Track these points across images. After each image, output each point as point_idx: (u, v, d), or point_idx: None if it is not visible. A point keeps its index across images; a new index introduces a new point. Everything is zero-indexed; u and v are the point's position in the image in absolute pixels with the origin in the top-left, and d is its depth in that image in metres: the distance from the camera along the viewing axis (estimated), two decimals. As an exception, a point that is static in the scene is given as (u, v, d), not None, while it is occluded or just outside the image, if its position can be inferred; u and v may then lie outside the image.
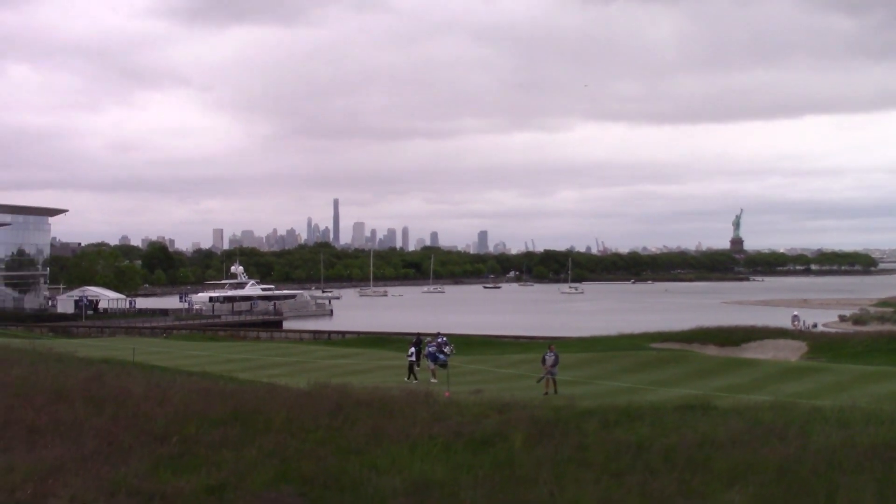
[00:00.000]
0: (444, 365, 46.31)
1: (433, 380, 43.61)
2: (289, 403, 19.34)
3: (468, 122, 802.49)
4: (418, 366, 46.30)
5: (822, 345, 57.01)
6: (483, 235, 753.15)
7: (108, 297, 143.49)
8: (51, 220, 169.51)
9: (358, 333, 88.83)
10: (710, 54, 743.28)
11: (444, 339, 53.68)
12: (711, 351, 54.45)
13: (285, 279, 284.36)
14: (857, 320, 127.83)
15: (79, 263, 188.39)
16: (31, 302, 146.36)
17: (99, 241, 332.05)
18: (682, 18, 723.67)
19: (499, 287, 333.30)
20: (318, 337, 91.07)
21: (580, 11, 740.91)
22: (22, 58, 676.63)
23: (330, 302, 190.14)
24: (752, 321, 77.42)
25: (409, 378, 43.71)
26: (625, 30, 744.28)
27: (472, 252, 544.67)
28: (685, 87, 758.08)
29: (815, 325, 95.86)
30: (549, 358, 37.14)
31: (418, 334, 54.58)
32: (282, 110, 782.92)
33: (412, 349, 46.30)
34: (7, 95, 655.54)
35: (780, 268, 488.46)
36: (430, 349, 46.51)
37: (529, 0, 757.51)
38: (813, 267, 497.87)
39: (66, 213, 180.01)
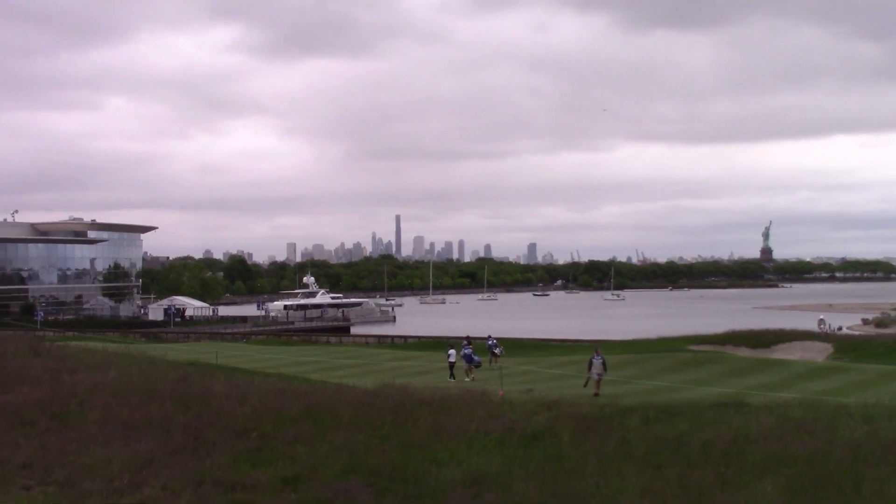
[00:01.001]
0: (478, 365, 46.43)
1: (467, 378, 43.75)
2: (356, 402, 19.36)
3: (520, 143, 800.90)
4: (478, 365, 46.49)
5: (846, 346, 56.32)
6: (532, 247, 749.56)
7: (193, 306, 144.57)
8: (142, 236, 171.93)
9: (419, 338, 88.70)
10: (743, 79, 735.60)
11: (494, 341, 53.69)
12: (744, 352, 53.91)
13: (352, 288, 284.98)
14: (878, 323, 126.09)
15: (167, 275, 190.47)
16: (125, 310, 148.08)
17: (185, 255, 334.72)
18: (718, 46, 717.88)
19: (547, 295, 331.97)
20: (382, 341, 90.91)
21: (623, 41, 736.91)
22: (120, 91, 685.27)
23: (393, 309, 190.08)
24: (781, 325, 76.73)
25: (451, 377, 43.89)
26: (664, 57, 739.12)
27: (522, 262, 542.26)
28: (720, 109, 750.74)
29: (839, 328, 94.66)
30: (596, 361, 36.66)
31: (467, 336, 54.70)
32: (350, 135, 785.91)
33: (451, 351, 46.45)
34: (107, 125, 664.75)
35: (807, 275, 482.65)
36: (466, 352, 46.59)
37: (578, 31, 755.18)
38: (837, 274, 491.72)
39: (156, 229, 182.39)
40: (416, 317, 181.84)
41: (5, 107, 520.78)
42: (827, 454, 13.72)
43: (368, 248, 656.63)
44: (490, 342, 53.02)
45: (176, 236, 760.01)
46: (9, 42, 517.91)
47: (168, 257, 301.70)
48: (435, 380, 41.43)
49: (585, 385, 36.06)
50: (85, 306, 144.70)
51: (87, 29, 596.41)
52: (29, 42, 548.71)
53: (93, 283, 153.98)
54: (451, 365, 45.14)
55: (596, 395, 33.90)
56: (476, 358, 46.82)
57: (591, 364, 36.82)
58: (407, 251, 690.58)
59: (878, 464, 13.09)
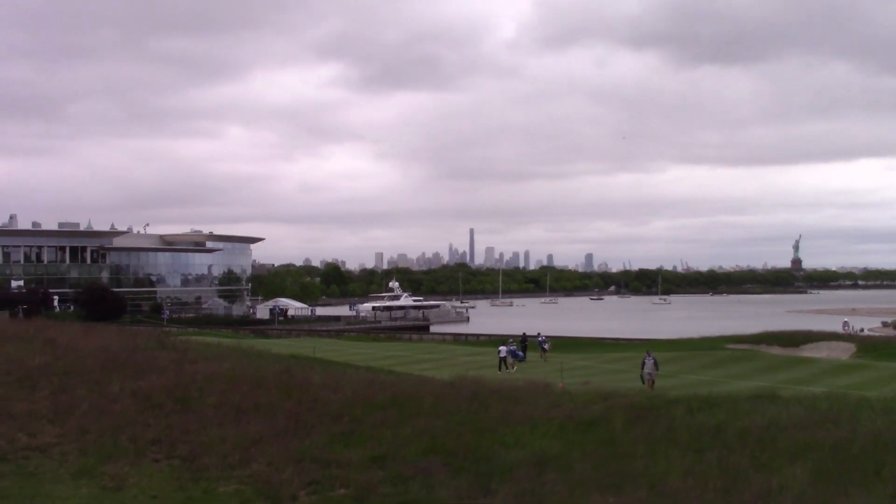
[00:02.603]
0: (521, 360, 47.06)
1: (512, 370, 44.21)
2: (435, 392, 19.40)
3: (581, 165, 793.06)
4: (522, 359, 47.23)
5: (867, 346, 55.28)
6: (589, 257, 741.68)
7: (294, 307, 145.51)
8: (252, 246, 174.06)
9: (489, 336, 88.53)
10: (779, 109, 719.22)
11: (544, 338, 54.14)
12: (776, 351, 53.13)
13: (431, 292, 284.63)
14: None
15: (273, 280, 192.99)
16: (237, 310, 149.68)
17: (288, 262, 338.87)
18: (757, 80, 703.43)
19: (602, 299, 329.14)
20: (457, 338, 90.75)
21: (674, 75, 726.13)
22: (237, 121, 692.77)
23: (467, 310, 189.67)
24: (810, 326, 75.29)
25: (500, 369, 44.19)
26: (709, 90, 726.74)
27: (580, 270, 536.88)
28: (757, 136, 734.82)
29: (861, 330, 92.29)
30: (648, 362, 36.23)
31: (524, 334, 55.25)
32: (432, 158, 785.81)
33: (502, 347, 47.27)
34: (225, 150, 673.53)
35: (833, 283, 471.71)
36: (511, 348, 47.40)
37: (634, 67, 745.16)
38: (860, 283, 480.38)
39: (264, 240, 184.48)
40: (487, 317, 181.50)
41: (141, 135, 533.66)
42: (850, 442, 13.48)
43: (446, 257, 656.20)
44: (540, 339, 53.50)
45: (281, 246, 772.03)
46: (145, 80, 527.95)
47: (273, 264, 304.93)
48: (503, 373, 41.60)
49: (643, 381, 35.53)
50: (203, 306, 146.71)
51: (211, 69, 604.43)
52: (162, 80, 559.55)
53: (210, 286, 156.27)
54: (503, 360, 45.84)
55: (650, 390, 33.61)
56: (520, 353, 47.74)
57: (643, 364, 36.51)
58: (479, 260, 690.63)
59: (898, 451, 12.83)
